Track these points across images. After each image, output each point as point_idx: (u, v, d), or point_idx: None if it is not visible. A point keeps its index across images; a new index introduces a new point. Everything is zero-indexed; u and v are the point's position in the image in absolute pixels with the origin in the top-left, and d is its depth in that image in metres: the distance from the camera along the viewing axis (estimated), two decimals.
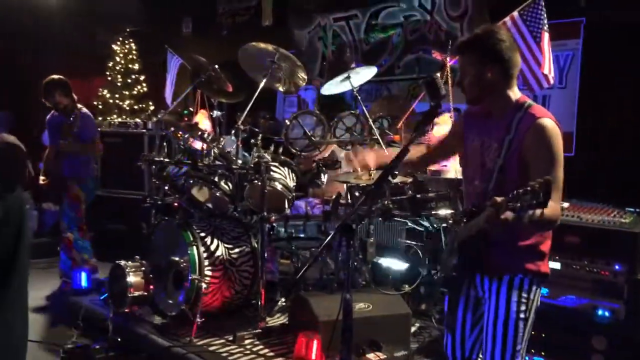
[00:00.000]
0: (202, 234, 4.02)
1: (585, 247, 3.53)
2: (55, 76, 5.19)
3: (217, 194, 4.23)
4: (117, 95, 8.46)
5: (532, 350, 3.52)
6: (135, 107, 8.49)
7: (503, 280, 2.30)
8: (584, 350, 3.37)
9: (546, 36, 4.16)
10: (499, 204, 1.93)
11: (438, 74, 2.39)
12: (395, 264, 4.43)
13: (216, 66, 4.66)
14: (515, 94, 2.32)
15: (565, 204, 3.79)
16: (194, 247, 3.89)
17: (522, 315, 2.27)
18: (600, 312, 3.37)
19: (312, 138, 4.23)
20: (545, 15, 4.17)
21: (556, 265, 3.61)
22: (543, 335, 3.49)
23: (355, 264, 4.21)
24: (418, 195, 4.09)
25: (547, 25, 4.16)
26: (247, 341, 3.79)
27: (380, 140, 4.16)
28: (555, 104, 5.15)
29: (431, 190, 4.10)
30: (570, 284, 3.55)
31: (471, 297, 2.43)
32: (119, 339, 3.97)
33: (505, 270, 2.30)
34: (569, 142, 4.95)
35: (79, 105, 5.22)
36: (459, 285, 2.41)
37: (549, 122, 2.19)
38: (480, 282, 2.38)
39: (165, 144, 4.53)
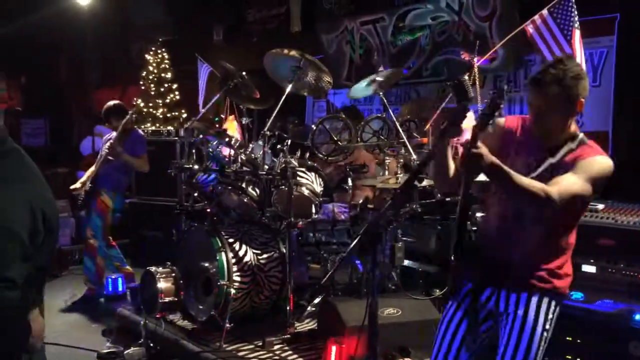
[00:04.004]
0: (231, 240, 4.04)
1: (621, 250, 3.42)
2: (111, 102, 5.54)
3: (245, 200, 4.25)
4: (150, 104, 8.63)
5: (568, 357, 3.42)
6: (169, 115, 8.65)
7: (532, 298, 2.30)
8: (621, 357, 3.24)
9: (577, 34, 4.06)
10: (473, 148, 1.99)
11: (466, 76, 2.34)
12: (425, 268, 4.38)
13: (244, 73, 4.70)
14: (573, 124, 2.31)
15: (601, 206, 3.69)
16: (223, 253, 3.92)
17: (545, 335, 2.29)
18: (637, 317, 3.24)
19: (339, 142, 4.21)
20: (576, 13, 4.07)
21: (591, 268, 3.51)
22: (578, 341, 3.39)
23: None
24: (447, 199, 4.04)
25: (578, 23, 4.06)
26: (276, 347, 3.79)
27: (408, 144, 4.13)
28: (590, 103, 4.98)
29: None
30: (606, 288, 3.44)
31: (485, 309, 2.39)
32: (151, 344, 4.03)
33: (535, 288, 2.30)
34: (605, 141, 4.80)
35: (137, 130, 5.63)
36: (472, 296, 2.38)
37: (606, 158, 2.22)
38: (505, 296, 2.35)
39: (194, 151, 4.58)
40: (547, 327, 2.30)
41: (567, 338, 3.41)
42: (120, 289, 5.12)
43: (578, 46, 4.07)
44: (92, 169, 5.39)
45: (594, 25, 4.80)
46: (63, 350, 4.18)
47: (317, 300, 4.24)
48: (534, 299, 2.29)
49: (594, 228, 3.50)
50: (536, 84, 2.22)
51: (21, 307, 1.65)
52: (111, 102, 5.53)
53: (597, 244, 3.46)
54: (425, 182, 3.88)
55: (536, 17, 4.22)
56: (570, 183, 2.14)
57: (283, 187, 4.01)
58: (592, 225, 3.52)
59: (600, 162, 2.21)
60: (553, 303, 2.32)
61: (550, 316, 2.30)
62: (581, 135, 2.29)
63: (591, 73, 4.89)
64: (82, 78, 10.19)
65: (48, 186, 1.83)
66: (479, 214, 3.72)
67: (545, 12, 4.18)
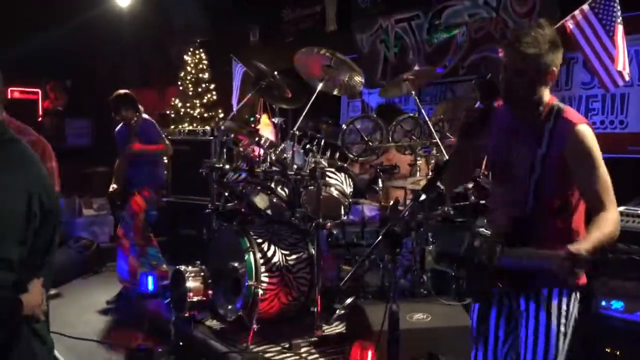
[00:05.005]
0: (259, 240, 4.03)
1: None
2: (121, 91, 5.31)
3: (274, 200, 4.23)
4: (188, 104, 8.73)
5: None
6: (205, 115, 8.73)
7: (543, 294, 2.21)
8: None
9: (620, 29, 3.87)
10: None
11: (490, 74, 2.25)
12: (457, 273, 4.26)
13: (275, 72, 4.68)
14: (547, 96, 2.21)
15: None
16: (251, 253, 3.91)
17: (562, 329, 2.20)
18: None
19: (370, 143, 4.15)
20: (618, 7, 3.88)
21: None
22: (618, 353, 3.24)
23: (415, 272, 4.09)
24: (481, 201, 3.92)
25: (620, 18, 3.87)
26: (303, 349, 3.76)
27: (440, 144, 4.03)
28: (636, 102, 4.78)
29: None
30: None
31: (505, 306, 2.32)
32: (181, 343, 4.05)
33: (545, 284, 2.20)
34: None
35: (144, 115, 5.34)
36: (490, 295, 2.31)
37: (585, 127, 2.14)
38: (517, 295, 2.27)
39: (225, 150, 4.59)
40: (564, 321, 2.20)
41: (606, 349, 3.27)
42: (152, 287, 5.16)
43: (621, 42, 3.88)
44: (118, 162, 5.42)
45: (638, 21, 4.58)
46: (95, 346, 4.25)
47: (347, 303, 4.19)
48: (545, 295, 2.21)
49: (635, 234, 3.33)
50: (514, 41, 2.15)
51: (14, 289, 1.75)
52: (121, 91, 5.30)
53: None
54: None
55: (576, 12, 4.04)
56: (604, 184, 2.10)
57: (312, 187, 3.97)
58: (633, 231, 3.35)
59: (589, 138, 2.12)
60: (566, 295, 2.22)
61: (564, 308, 2.21)
62: (556, 104, 2.20)
63: (636, 71, 4.67)
64: (123, 80, 10.38)
65: (47, 175, 1.95)
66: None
67: (586, 7, 4.00)
